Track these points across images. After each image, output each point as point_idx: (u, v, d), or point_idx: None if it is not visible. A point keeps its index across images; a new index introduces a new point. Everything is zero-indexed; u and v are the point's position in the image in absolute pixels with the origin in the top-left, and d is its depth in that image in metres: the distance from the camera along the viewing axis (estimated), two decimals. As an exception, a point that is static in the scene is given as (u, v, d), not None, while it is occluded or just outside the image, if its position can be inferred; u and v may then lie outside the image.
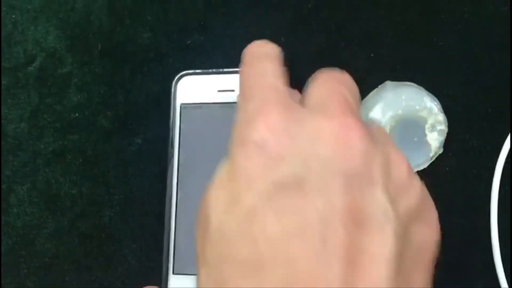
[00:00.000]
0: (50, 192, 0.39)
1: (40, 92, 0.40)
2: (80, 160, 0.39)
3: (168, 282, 0.34)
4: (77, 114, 0.39)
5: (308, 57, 0.37)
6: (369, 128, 0.20)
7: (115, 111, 0.39)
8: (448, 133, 0.34)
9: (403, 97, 0.35)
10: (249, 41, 0.38)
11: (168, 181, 0.35)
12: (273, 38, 0.37)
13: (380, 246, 0.17)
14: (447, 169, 0.34)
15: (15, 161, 0.39)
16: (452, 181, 0.34)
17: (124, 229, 0.37)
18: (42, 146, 0.39)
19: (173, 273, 0.34)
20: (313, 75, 0.23)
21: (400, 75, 0.35)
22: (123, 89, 0.39)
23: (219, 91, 0.36)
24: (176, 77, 0.37)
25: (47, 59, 0.40)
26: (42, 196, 0.39)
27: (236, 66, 0.36)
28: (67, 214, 0.38)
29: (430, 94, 0.34)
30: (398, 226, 0.18)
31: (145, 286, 0.34)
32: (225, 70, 0.36)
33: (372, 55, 0.36)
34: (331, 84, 0.21)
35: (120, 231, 0.37)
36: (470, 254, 0.33)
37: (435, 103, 0.34)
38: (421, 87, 0.35)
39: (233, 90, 0.36)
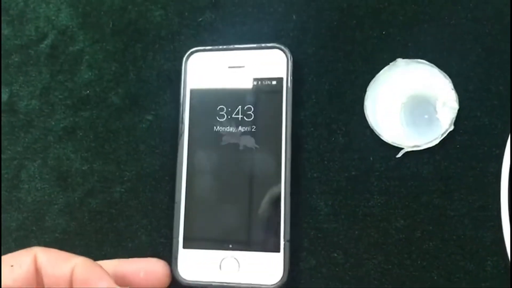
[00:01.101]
0: (61, 168, 0.39)
1: (52, 69, 0.40)
2: (91, 137, 0.39)
3: (178, 256, 0.34)
4: (88, 91, 0.39)
5: (319, 35, 0.37)
6: None
7: (126, 88, 0.39)
8: (459, 111, 0.34)
9: (415, 74, 0.34)
10: (261, 19, 0.38)
11: (178, 158, 0.35)
12: (285, 16, 0.38)
13: None
14: (458, 146, 0.34)
15: (26, 137, 0.40)
16: (462, 159, 0.34)
17: (134, 205, 0.37)
18: (53, 123, 0.39)
19: (183, 247, 0.34)
20: None
21: (412, 53, 0.35)
22: (135, 66, 0.39)
23: (229, 67, 0.36)
24: (187, 54, 0.37)
25: (58, 36, 0.40)
26: (53, 173, 0.39)
27: (247, 43, 0.36)
28: (78, 190, 0.38)
29: (441, 71, 0.34)
30: None
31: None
32: (236, 46, 0.36)
33: (383, 32, 0.36)
34: None
35: (130, 207, 0.37)
36: (480, 232, 0.33)
37: (447, 80, 0.34)
38: (433, 65, 0.34)
39: (243, 67, 0.36)
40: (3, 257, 0.28)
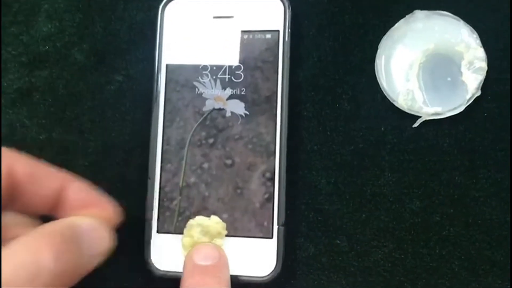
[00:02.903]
0: (14, 137, 0.36)
1: (3, 20, 0.37)
2: (50, 100, 0.36)
3: (151, 241, 0.32)
4: (47, 47, 0.37)
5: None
6: None
7: (92, 43, 0.36)
8: (487, 72, 0.32)
9: (436, 28, 0.32)
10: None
11: (152, 126, 0.33)
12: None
13: None
14: (485, 114, 0.32)
15: (-27, 101, 0.37)
16: (490, 129, 0.32)
17: (100, 182, 0.33)
18: (5, 84, 0.37)
19: (157, 231, 0.32)
20: None
21: (432, 3, 0.33)
22: (102, 17, 0.37)
23: (215, 17, 0.33)
24: (163, 2, 0.34)
25: (11, -19, 0.38)
26: (5, 143, 0.36)
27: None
28: (34, 163, 0.36)
29: (467, 25, 0.32)
30: None
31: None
32: (223, -8, 0.34)
33: (398, -21, 0.34)
34: None
35: (95, 184, 0.33)
36: (509, 215, 0.31)
37: (474, 36, 0.32)
38: (457, 17, 0.32)
39: (231, 17, 0.33)
40: None
